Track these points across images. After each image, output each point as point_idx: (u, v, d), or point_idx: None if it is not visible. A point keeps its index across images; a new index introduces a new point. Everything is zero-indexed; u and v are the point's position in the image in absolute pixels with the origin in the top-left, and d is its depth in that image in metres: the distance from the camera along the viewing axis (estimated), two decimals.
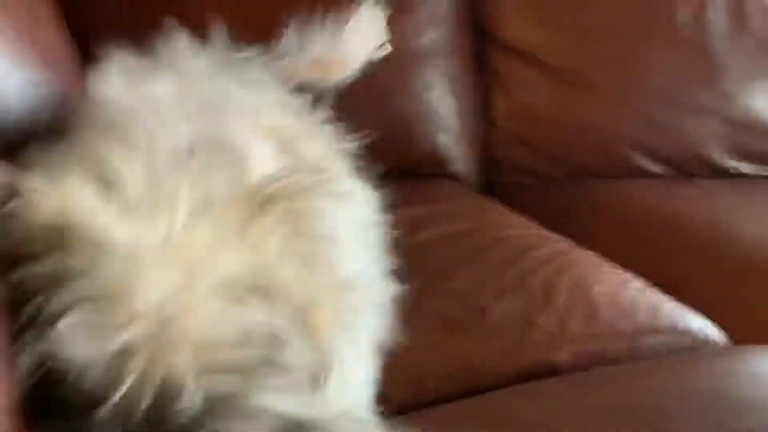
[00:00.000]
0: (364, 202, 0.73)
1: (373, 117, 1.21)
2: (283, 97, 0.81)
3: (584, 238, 1.06)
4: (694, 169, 1.38)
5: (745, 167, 1.41)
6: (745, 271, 0.98)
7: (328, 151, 0.73)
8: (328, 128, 0.79)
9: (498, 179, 1.35)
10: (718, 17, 1.39)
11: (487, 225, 1.03)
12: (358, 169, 0.75)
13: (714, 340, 0.86)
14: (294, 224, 0.53)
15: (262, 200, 0.52)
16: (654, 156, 1.36)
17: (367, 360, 0.60)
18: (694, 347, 0.84)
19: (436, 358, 0.78)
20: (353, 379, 0.56)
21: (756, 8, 1.42)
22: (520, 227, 1.03)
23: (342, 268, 0.57)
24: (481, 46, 1.35)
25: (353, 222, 0.64)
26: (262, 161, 0.58)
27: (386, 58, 1.21)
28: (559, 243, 0.98)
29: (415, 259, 0.89)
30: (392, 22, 1.21)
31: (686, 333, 0.85)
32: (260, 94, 0.77)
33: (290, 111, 0.77)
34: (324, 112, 0.79)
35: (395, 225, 0.89)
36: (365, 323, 0.60)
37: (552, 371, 0.79)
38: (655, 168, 1.36)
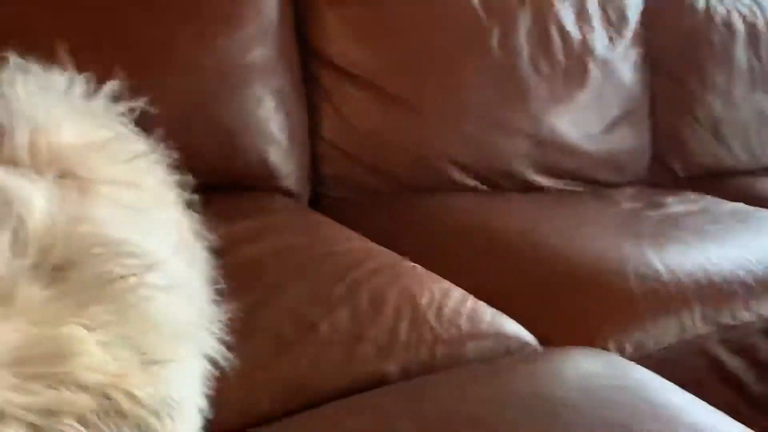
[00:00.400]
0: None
1: (202, 132, 1.14)
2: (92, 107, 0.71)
3: (408, 250, 1.05)
4: (505, 183, 1.41)
5: (549, 182, 1.46)
6: (553, 277, 1.00)
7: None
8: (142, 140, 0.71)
9: (326, 194, 1.32)
10: (524, 42, 1.44)
11: (315, 240, 0.99)
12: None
13: (529, 344, 0.86)
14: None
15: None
16: (469, 171, 1.37)
17: (197, 393, 0.53)
18: (511, 351, 0.85)
19: (268, 376, 0.72)
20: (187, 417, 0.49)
21: (558, 35, 1.48)
22: (348, 241, 1.00)
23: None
24: (308, 63, 1.32)
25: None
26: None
27: (216, 73, 1.16)
28: (385, 256, 0.95)
29: (246, 274, 0.84)
30: (221, 37, 1.16)
31: (504, 338, 0.85)
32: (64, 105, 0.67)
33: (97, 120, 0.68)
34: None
35: (224, 239, 0.84)
36: (190, 369, 0.52)
37: (381, 382, 0.76)
38: (470, 182, 1.38)
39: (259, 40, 1.23)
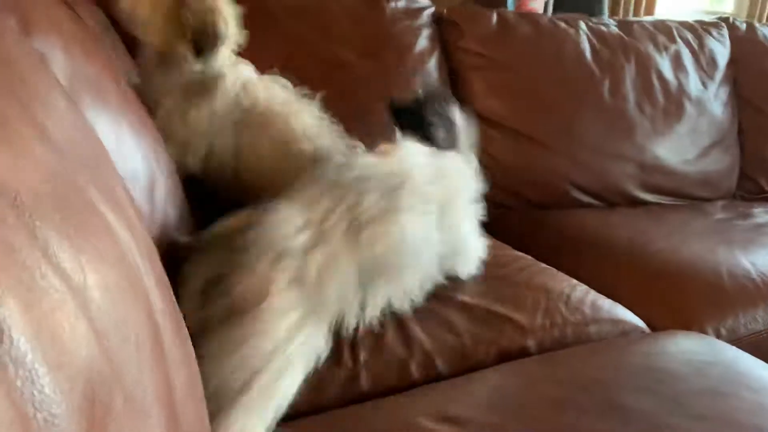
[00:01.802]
0: None
1: None
2: None
3: (542, 255, 1.08)
4: (617, 199, 1.40)
5: (653, 198, 1.43)
6: (658, 275, 0.98)
7: None
8: None
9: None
10: (630, 89, 1.42)
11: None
12: None
13: (639, 328, 0.87)
14: None
15: None
16: (586, 191, 1.37)
17: None
18: (625, 332, 0.85)
19: (438, 346, 0.78)
20: None
21: (658, 83, 1.45)
22: (497, 249, 1.03)
23: None
24: None
25: None
26: None
27: None
28: (524, 260, 0.98)
29: None
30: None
31: (619, 322, 0.86)
32: None
33: None
34: None
35: None
36: None
37: (523, 354, 0.79)
38: (587, 199, 1.37)
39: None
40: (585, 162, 1.36)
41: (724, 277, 0.91)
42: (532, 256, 1.01)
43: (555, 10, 3.01)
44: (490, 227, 1.24)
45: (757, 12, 3.86)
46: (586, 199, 1.37)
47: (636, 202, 1.40)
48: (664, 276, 0.97)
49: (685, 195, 1.47)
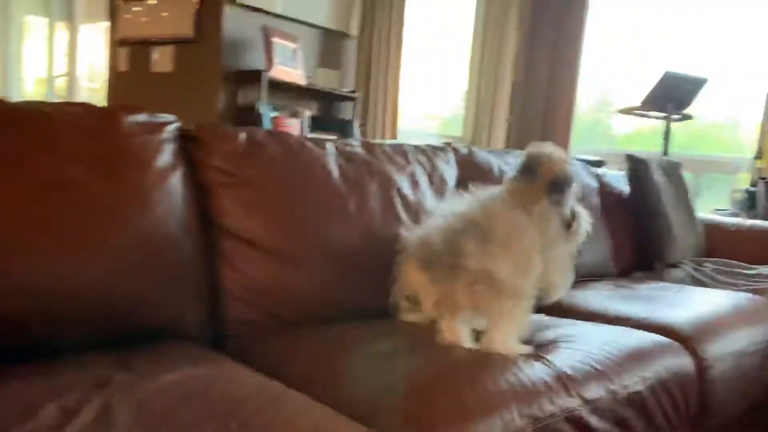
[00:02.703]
0: None
1: (131, 292, 1.08)
2: None
3: (296, 379, 1.01)
4: (370, 313, 1.40)
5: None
6: (416, 392, 0.97)
7: None
8: None
9: (230, 335, 1.25)
10: (376, 205, 1.48)
11: (213, 380, 0.92)
12: None
13: None
14: None
15: None
16: (344, 307, 1.36)
17: None
18: None
19: None
20: None
21: (399, 199, 1.54)
22: (242, 378, 0.94)
23: None
24: (211, 233, 1.29)
25: None
26: None
27: (132, 249, 1.10)
28: (272, 389, 0.91)
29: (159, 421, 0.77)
30: (137, 219, 1.12)
31: None
32: None
33: None
34: None
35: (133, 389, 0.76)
36: None
37: None
38: (345, 315, 1.36)
39: (169, 216, 1.19)
40: (340, 277, 1.36)
41: (465, 390, 0.93)
42: (290, 378, 0.93)
43: (312, 132, 3.16)
44: (240, 352, 1.16)
45: (480, 136, 4.53)
46: (342, 314, 1.35)
47: (390, 315, 1.42)
48: (413, 389, 0.95)
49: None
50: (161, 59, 3.51)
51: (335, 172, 1.44)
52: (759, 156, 3.50)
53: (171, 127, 1.27)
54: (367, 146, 1.59)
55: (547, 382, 1.01)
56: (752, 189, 3.02)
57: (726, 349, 1.44)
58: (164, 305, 1.13)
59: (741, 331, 1.53)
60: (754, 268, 2.16)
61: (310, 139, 1.49)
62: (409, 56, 4.29)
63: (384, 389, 0.96)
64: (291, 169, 1.36)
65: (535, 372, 1.03)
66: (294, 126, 3.14)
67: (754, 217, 2.87)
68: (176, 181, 1.22)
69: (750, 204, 2.98)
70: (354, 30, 3.85)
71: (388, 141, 1.62)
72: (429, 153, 1.74)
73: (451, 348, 1.13)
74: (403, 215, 1.52)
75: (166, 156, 1.23)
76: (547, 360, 1.09)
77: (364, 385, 0.97)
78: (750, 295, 1.85)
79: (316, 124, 3.42)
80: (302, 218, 1.33)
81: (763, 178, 3.00)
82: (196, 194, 1.27)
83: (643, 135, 5.10)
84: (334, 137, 1.62)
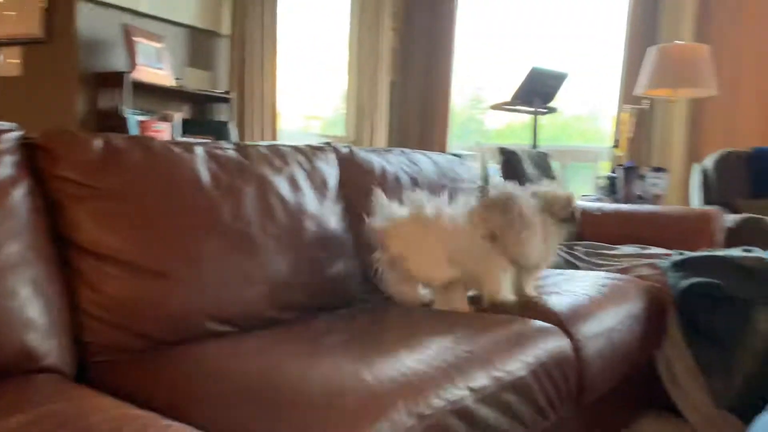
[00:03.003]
0: None
1: None
2: None
3: (165, 404, 0.93)
4: (252, 323, 1.33)
5: (288, 315, 1.42)
6: (287, 405, 0.92)
7: None
8: None
9: (93, 360, 1.13)
10: (252, 211, 1.41)
11: (76, 415, 0.82)
12: None
13: None
14: None
15: None
16: (218, 319, 1.27)
17: None
18: None
19: None
20: None
21: (279, 203, 1.48)
22: (101, 411, 0.85)
23: None
24: (65, 251, 1.16)
25: None
26: None
27: None
28: (143, 419, 0.82)
29: None
30: None
31: None
32: None
33: None
34: None
35: None
36: None
37: None
38: (222, 328, 1.28)
39: (12, 238, 1.06)
40: (214, 290, 1.27)
41: (347, 396, 0.90)
42: (157, 404, 0.85)
43: (185, 136, 3.00)
44: (104, 378, 1.05)
45: (363, 136, 4.55)
46: (219, 327, 1.27)
47: (272, 322, 1.36)
48: (292, 406, 0.90)
49: (318, 306, 1.50)
50: (7, 62, 3.17)
51: (205, 177, 1.35)
52: (616, 145, 3.79)
53: (10, 136, 1.13)
54: (241, 148, 1.51)
55: (432, 375, 1.01)
56: (612, 175, 3.26)
57: (598, 328, 1.52)
58: (10, 338, 1.00)
59: (610, 310, 1.63)
60: (617, 248, 2.33)
61: (177, 143, 1.39)
62: (286, 56, 4.20)
63: (261, 409, 0.90)
64: (154, 176, 1.26)
65: (420, 365, 1.02)
66: (164, 130, 2.96)
67: (616, 201, 3.11)
68: (18, 197, 1.08)
69: (611, 189, 3.22)
70: (225, 29, 3.71)
71: (264, 142, 1.55)
72: (308, 153, 1.69)
73: (331, 354, 1.09)
74: (283, 219, 1.47)
75: (6, 169, 1.09)
76: (431, 351, 1.09)
77: (237, 408, 0.91)
78: (616, 274, 1.98)
79: (189, 127, 3.25)
80: (168, 229, 1.24)
81: (621, 165, 3.25)
82: (45, 210, 1.14)
83: (513, 129, 5.38)
84: (207, 141, 1.52)
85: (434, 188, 2.05)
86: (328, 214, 1.61)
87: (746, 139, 4.03)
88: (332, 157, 1.76)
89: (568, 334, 1.43)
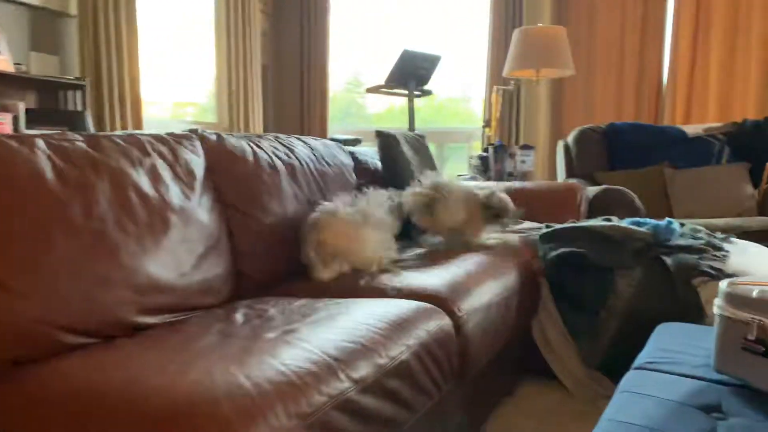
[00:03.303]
0: None
1: None
2: None
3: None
4: (115, 332, 1.21)
5: (155, 319, 1.30)
6: (156, 421, 0.84)
7: None
8: None
9: None
10: (108, 209, 1.28)
11: None
12: None
13: None
14: None
15: None
16: (75, 331, 1.14)
17: None
18: None
19: None
20: None
21: (138, 198, 1.36)
22: None
23: None
24: None
25: None
26: None
27: None
28: None
29: None
30: None
31: None
32: None
33: None
34: None
35: None
36: None
37: None
38: (81, 340, 1.15)
39: None
40: (65, 298, 1.14)
41: (222, 403, 0.83)
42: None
43: (32, 127, 2.70)
44: None
45: (238, 122, 4.36)
46: (77, 340, 1.14)
47: (137, 328, 1.25)
48: (157, 421, 0.82)
49: (190, 307, 1.40)
50: None
51: (48, 173, 1.20)
52: (487, 125, 3.94)
53: None
54: (92, 140, 1.37)
55: (313, 370, 0.96)
56: (484, 154, 3.38)
57: (477, 303, 1.56)
58: None
59: (487, 285, 1.67)
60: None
61: (12, 137, 1.22)
62: (150, 39, 3.92)
63: (121, 428, 0.81)
64: None
65: (300, 361, 0.98)
66: (3, 122, 2.64)
67: (488, 179, 3.23)
68: None
69: (484, 168, 3.34)
70: (73, 9, 3.37)
71: (120, 132, 1.41)
72: (171, 142, 1.57)
73: (203, 358, 1.02)
74: (145, 216, 1.35)
75: None
76: (312, 345, 1.05)
77: (95, 430, 0.82)
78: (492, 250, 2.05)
79: (36, 117, 2.92)
80: (8, 234, 1.08)
81: (492, 144, 3.38)
82: None
83: (393, 112, 5.44)
84: (53, 132, 1.35)
85: (311, 174, 2.00)
86: (197, 207, 1.50)
87: (603, 115, 4.36)
88: (198, 145, 1.64)
89: (449, 312, 1.44)
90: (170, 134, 1.61)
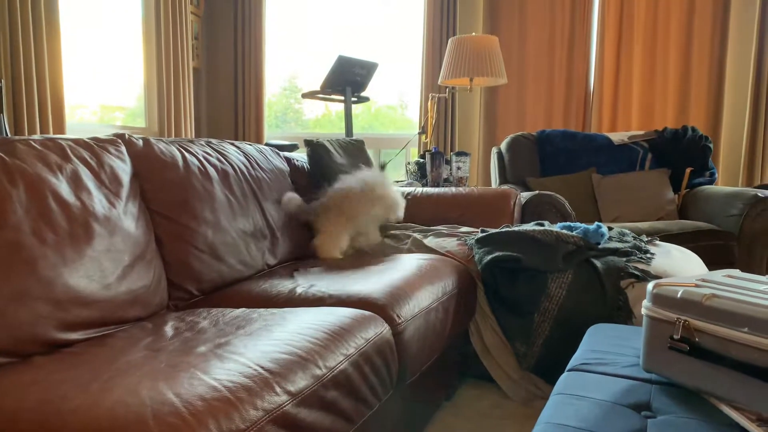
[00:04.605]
0: None
1: None
2: None
3: None
4: (33, 350, 1.13)
5: (80, 335, 1.23)
6: None
7: None
8: None
9: None
10: (25, 218, 1.19)
11: None
12: None
13: None
14: None
15: None
16: None
17: None
18: None
19: None
20: None
21: (58, 207, 1.27)
22: None
23: None
24: None
25: None
26: None
27: None
28: None
29: None
30: None
31: None
32: None
33: None
34: None
35: None
36: None
37: None
38: None
39: None
40: None
41: (149, 423, 0.78)
42: None
43: None
44: None
45: (169, 127, 4.22)
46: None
47: (59, 345, 1.17)
48: None
49: (116, 321, 1.32)
50: None
51: None
52: (423, 131, 3.97)
53: None
54: (6, 144, 1.27)
55: (247, 385, 0.92)
56: (421, 161, 3.41)
57: (415, 309, 1.55)
58: None
59: (426, 290, 1.67)
60: (433, 229, 2.42)
61: None
62: (75, 40, 3.73)
63: None
64: None
65: (233, 376, 0.94)
66: None
67: (425, 185, 3.25)
68: None
69: (421, 174, 3.36)
70: None
71: (38, 136, 1.31)
72: (95, 147, 1.49)
73: (129, 375, 0.96)
74: (66, 225, 1.27)
75: None
76: (246, 358, 1.01)
77: None
78: (429, 255, 2.06)
79: None
80: None
81: (428, 151, 3.41)
82: None
83: (330, 119, 5.41)
84: None
85: (245, 180, 1.94)
86: (122, 215, 1.43)
87: (534, 123, 4.49)
88: (124, 150, 1.57)
89: (388, 319, 1.43)
90: (94, 139, 1.52)
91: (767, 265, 2.79)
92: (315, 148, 2.43)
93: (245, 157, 2.03)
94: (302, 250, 2.17)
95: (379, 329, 1.36)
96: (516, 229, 2.12)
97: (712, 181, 3.40)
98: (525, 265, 1.95)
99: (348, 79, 3.64)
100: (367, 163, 2.68)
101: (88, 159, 1.43)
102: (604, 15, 4.30)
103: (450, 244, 2.20)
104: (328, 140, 2.54)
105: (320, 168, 2.41)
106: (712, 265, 2.59)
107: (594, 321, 1.57)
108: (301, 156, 2.57)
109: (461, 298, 1.89)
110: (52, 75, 3.32)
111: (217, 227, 1.72)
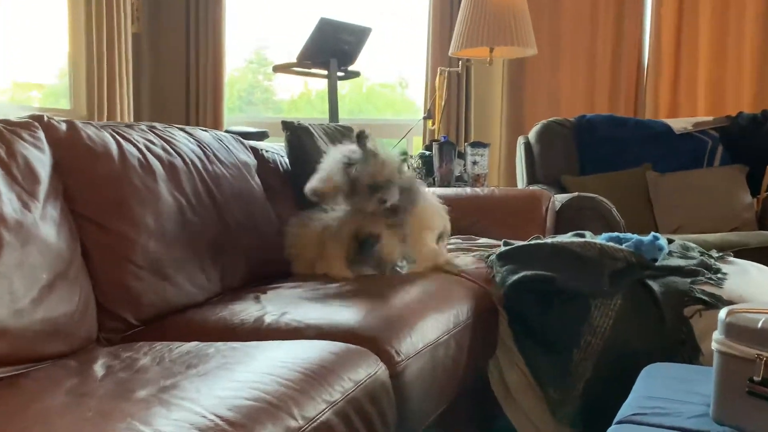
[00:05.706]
0: None
1: None
2: None
3: None
4: None
5: None
6: None
7: None
8: None
9: None
10: None
11: None
12: None
13: None
14: None
15: None
16: None
17: None
18: None
19: None
20: None
21: None
22: None
23: None
24: None
25: None
26: None
27: None
28: None
29: None
30: None
31: None
32: None
33: None
34: None
35: None
36: None
37: None
38: None
39: None
40: None
41: None
42: None
43: None
44: None
45: (101, 108, 4.22)
46: None
47: None
48: None
49: (32, 357, 1.32)
50: None
51: None
52: (429, 116, 3.99)
53: None
54: None
55: None
56: (426, 153, 3.42)
57: (419, 344, 1.55)
58: None
59: (433, 319, 1.67)
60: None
61: None
62: None
63: None
64: None
65: (182, 428, 0.93)
66: None
67: (432, 184, 3.26)
68: None
69: (427, 170, 3.37)
70: None
71: None
72: (3, 132, 1.49)
73: (42, 426, 0.96)
74: None
75: None
76: (198, 406, 1.01)
77: None
78: (438, 274, 2.06)
79: None
80: None
81: (436, 140, 3.42)
82: None
83: (309, 99, 5.42)
84: None
85: (199, 175, 1.95)
86: (39, 221, 1.43)
87: (571, 106, 4.50)
88: (42, 136, 1.57)
89: (384, 355, 1.43)
90: (3, 121, 1.53)
91: None
92: (296, 132, 2.43)
93: (199, 147, 2.03)
94: (272, 266, 2.17)
95: (373, 369, 1.36)
96: (549, 241, 2.13)
97: None
98: (561, 287, 1.95)
99: (333, 48, 3.65)
100: None
101: None
102: None
103: (464, 260, 2.20)
104: (311, 124, 2.55)
105: (302, 157, 2.41)
106: None
107: (649, 359, 1.57)
108: (272, 146, 2.57)
109: (478, 329, 1.89)
110: None
111: (162, 237, 1.72)
